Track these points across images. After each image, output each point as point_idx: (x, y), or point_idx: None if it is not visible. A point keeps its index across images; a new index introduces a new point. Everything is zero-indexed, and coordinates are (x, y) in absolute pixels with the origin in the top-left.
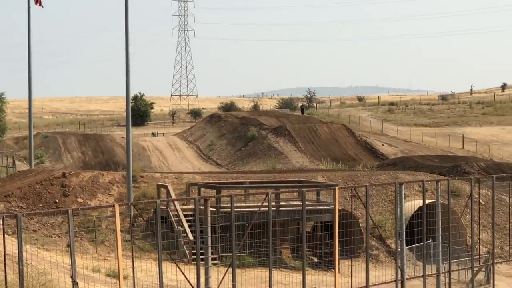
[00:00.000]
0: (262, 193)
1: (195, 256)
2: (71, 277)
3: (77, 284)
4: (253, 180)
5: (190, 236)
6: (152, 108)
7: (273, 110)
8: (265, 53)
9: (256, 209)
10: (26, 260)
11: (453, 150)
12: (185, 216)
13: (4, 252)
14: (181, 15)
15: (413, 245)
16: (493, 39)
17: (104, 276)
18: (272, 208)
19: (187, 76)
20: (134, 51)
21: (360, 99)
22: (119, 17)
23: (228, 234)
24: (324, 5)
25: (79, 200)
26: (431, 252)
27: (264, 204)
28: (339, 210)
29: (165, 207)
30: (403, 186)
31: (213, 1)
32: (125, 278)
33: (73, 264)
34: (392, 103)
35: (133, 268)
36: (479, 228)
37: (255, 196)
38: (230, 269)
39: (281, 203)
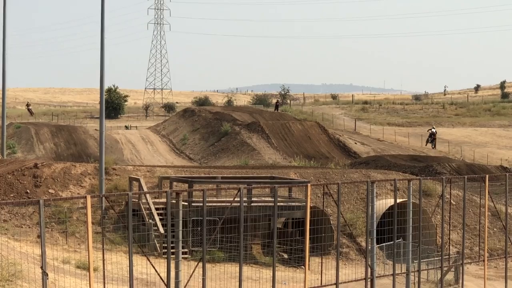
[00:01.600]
0: (234, 188)
1: (166, 250)
2: (41, 268)
3: (47, 275)
4: (225, 175)
5: (161, 230)
6: (125, 101)
7: (247, 106)
8: (240, 49)
9: (228, 204)
10: None
11: (425, 150)
12: (157, 209)
13: None
14: (157, 9)
15: (384, 244)
16: (467, 40)
17: (74, 268)
18: (244, 204)
19: (161, 70)
20: (109, 43)
21: (334, 97)
22: (95, 9)
23: (199, 228)
24: (300, 2)
25: (50, 191)
26: (401, 251)
27: (236, 199)
28: (311, 207)
29: (137, 200)
30: (375, 185)
31: None
32: (95, 270)
33: (43, 255)
34: (365, 102)
35: (103, 260)
36: (449, 228)
37: (227, 191)
38: (201, 264)
39: (253, 199)
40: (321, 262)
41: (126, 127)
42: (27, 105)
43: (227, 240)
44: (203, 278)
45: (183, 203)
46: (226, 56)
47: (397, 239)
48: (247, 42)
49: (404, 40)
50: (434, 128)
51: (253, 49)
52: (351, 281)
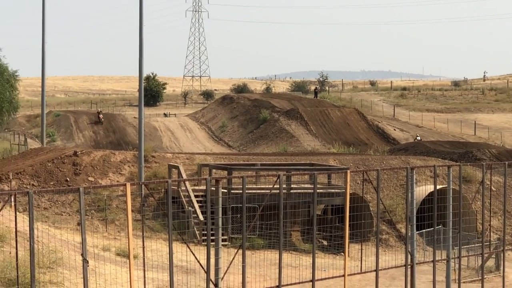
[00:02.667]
0: (273, 175)
1: (205, 237)
2: (82, 255)
3: (87, 262)
4: (264, 162)
5: (201, 217)
6: (164, 88)
7: (286, 93)
8: (278, 36)
9: (267, 191)
10: (37, 238)
11: (464, 136)
12: (196, 197)
13: (16, 229)
14: None
15: (423, 230)
16: (507, 25)
17: (114, 255)
18: (283, 191)
19: (200, 57)
20: (147, 31)
21: (372, 83)
22: None
23: (238, 215)
24: None
25: (90, 178)
26: (441, 238)
27: (275, 186)
28: (350, 194)
29: (176, 187)
30: (414, 171)
31: None
32: (135, 257)
33: (83, 242)
34: (404, 88)
35: (143, 248)
36: (490, 214)
37: (266, 178)
38: (240, 251)
39: (292, 186)
40: (361, 249)
41: (165, 115)
42: (98, 112)
43: (267, 227)
44: (243, 265)
45: (222, 190)
46: (265, 43)
47: (437, 226)
48: (285, 29)
49: (443, 25)
50: (418, 136)
51: (291, 36)
52: (391, 267)
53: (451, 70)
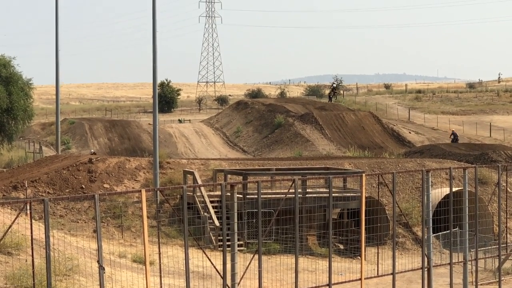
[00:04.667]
0: (288, 179)
1: (221, 243)
2: (98, 262)
3: (103, 269)
4: (279, 167)
5: (216, 223)
6: (178, 94)
7: (300, 98)
8: (292, 40)
9: (282, 195)
10: (53, 245)
11: (480, 138)
12: (211, 202)
13: (32, 237)
14: (208, 2)
15: (440, 233)
16: None
17: (130, 262)
18: (299, 195)
19: (214, 63)
20: (161, 38)
21: (387, 86)
22: (147, 3)
23: (254, 220)
24: None
25: (105, 185)
26: (457, 240)
27: (290, 191)
28: (366, 197)
29: (192, 193)
30: (430, 174)
31: None
32: (151, 263)
33: (99, 249)
34: (419, 91)
35: (160, 254)
36: (506, 216)
37: (281, 183)
38: (256, 256)
39: (307, 190)
40: (377, 252)
41: (180, 121)
42: (92, 154)
43: (282, 232)
44: (259, 270)
45: (238, 195)
46: (278, 48)
47: (453, 228)
48: (299, 34)
49: (457, 27)
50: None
51: (305, 40)
52: (408, 270)
53: (465, 72)
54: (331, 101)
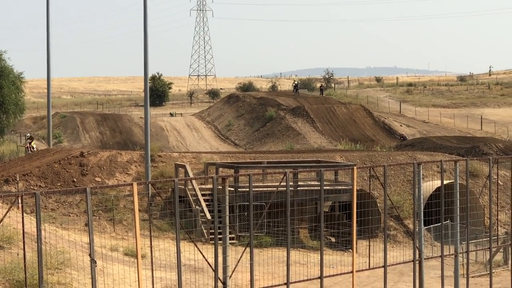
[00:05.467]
0: (280, 173)
1: (213, 236)
2: (90, 255)
3: (95, 262)
4: (271, 160)
5: (208, 216)
6: (170, 88)
7: (291, 91)
8: (283, 34)
9: (274, 188)
10: (45, 239)
11: (471, 131)
12: (203, 195)
13: (23, 230)
14: None
15: (431, 226)
16: None
17: (122, 255)
18: (290, 188)
19: (205, 56)
20: (152, 31)
21: (378, 80)
22: None
23: (246, 213)
24: None
25: (97, 179)
26: (449, 233)
27: (282, 184)
28: (357, 190)
29: (183, 187)
30: (421, 166)
31: None
32: (143, 257)
33: (91, 242)
34: (410, 84)
35: (151, 247)
36: (497, 209)
37: (273, 176)
38: (248, 249)
39: (299, 183)
40: (369, 245)
41: (171, 114)
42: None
43: (274, 225)
44: (250, 263)
45: (229, 188)
46: (270, 41)
47: (444, 221)
48: (290, 27)
49: (448, 20)
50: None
51: (296, 33)
52: (399, 263)
53: (456, 65)
54: (322, 94)
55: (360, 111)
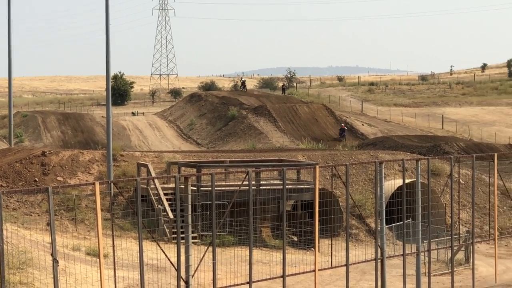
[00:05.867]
0: (242, 172)
1: (175, 235)
2: (51, 255)
3: (57, 262)
4: (233, 159)
5: (170, 215)
6: (132, 87)
7: (253, 90)
8: (245, 33)
9: (236, 188)
10: (6, 239)
11: (432, 130)
12: (165, 195)
13: None
14: None
15: (393, 224)
16: (473, 19)
17: (84, 255)
18: (253, 187)
19: (167, 56)
20: (114, 30)
21: (340, 79)
22: None
23: (208, 212)
24: None
25: (59, 178)
26: (410, 231)
27: (244, 183)
28: (319, 189)
29: (145, 186)
30: (383, 165)
31: None
32: (105, 256)
33: (53, 242)
34: (372, 83)
35: (113, 247)
36: (458, 207)
37: (235, 175)
38: (211, 248)
39: (261, 182)
40: (331, 244)
41: (133, 114)
42: None
43: (237, 224)
44: (213, 262)
45: (191, 187)
46: (232, 41)
47: (406, 219)
48: (252, 26)
49: (409, 20)
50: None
51: (258, 33)
52: (361, 262)
53: (418, 64)
54: (284, 93)
55: (322, 110)
